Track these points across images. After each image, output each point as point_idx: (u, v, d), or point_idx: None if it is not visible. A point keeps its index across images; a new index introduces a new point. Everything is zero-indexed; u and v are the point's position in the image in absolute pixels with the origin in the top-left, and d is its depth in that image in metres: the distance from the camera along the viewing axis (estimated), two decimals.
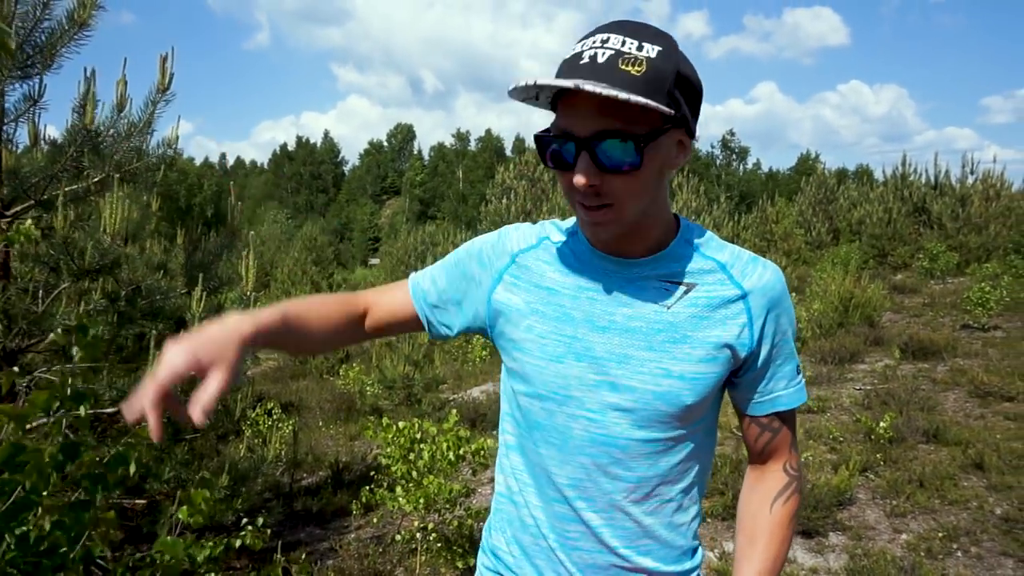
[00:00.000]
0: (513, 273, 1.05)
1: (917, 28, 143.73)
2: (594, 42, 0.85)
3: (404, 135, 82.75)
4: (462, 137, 76.77)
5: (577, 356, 0.98)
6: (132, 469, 1.21)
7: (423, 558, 3.64)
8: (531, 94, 0.88)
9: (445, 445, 3.60)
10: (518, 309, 1.03)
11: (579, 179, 0.86)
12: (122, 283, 3.03)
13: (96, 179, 2.97)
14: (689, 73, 0.88)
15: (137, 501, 2.99)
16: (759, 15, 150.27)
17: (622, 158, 0.84)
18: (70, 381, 1.18)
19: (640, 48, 0.83)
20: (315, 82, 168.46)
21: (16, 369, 2.42)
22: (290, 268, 14.25)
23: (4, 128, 2.83)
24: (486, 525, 1.20)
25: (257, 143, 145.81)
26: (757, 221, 19.53)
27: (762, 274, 0.99)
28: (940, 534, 3.67)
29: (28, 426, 1.24)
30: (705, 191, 14.46)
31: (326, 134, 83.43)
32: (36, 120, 2.95)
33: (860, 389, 6.62)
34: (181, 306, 3.25)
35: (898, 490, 4.24)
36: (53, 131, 3.03)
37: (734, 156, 73.71)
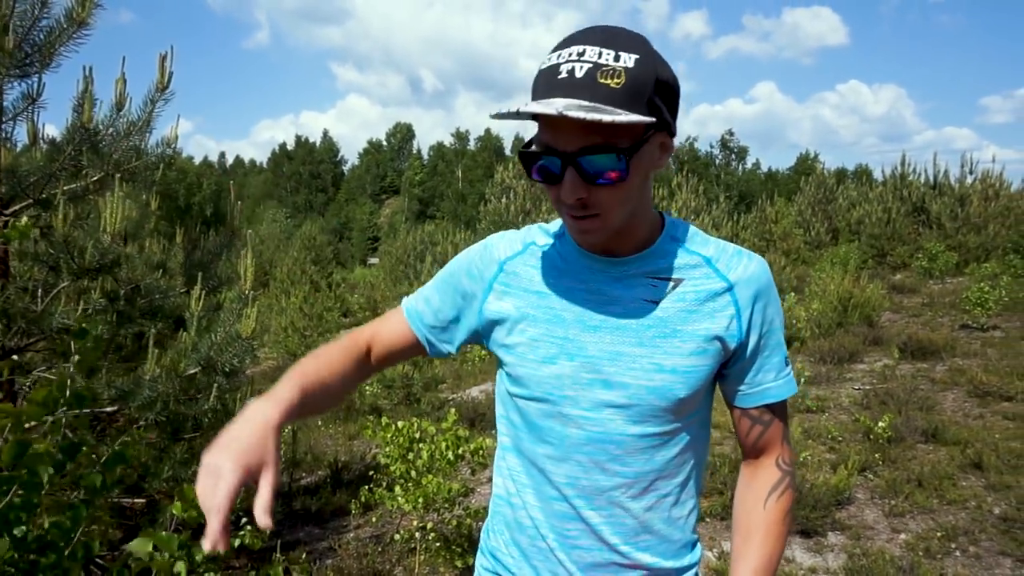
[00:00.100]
0: (502, 281, 1.06)
1: (916, 28, 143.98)
2: (570, 54, 0.84)
3: (403, 134, 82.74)
4: (461, 136, 76.73)
5: (570, 356, 1.00)
6: (129, 460, 1.20)
7: (422, 557, 3.64)
8: (514, 108, 0.89)
9: (444, 444, 3.60)
10: (510, 315, 1.04)
11: (567, 194, 0.87)
12: (121, 282, 3.03)
13: (95, 178, 2.97)
14: (666, 76, 0.88)
15: (136, 500, 2.98)
16: (758, 15, 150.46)
17: (608, 171, 0.85)
18: (69, 382, 1.18)
19: (617, 59, 0.83)
20: (314, 81, 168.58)
21: (15, 357, 2.42)
22: (289, 267, 14.25)
23: (2, 126, 2.83)
24: (484, 527, 1.21)
25: (256, 142, 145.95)
26: (756, 221, 19.53)
27: (747, 266, 1.00)
28: (939, 534, 3.67)
29: (27, 425, 1.24)
30: (704, 191, 14.46)
31: (325, 133, 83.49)
32: (35, 119, 2.95)
33: (859, 389, 6.63)
34: (180, 305, 3.25)
35: (897, 490, 4.24)
36: (52, 130, 3.03)
37: (733, 156, 73.73)
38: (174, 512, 1.39)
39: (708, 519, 4.04)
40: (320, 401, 1.00)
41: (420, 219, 52.19)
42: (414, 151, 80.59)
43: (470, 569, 3.49)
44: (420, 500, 3.43)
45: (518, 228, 1.14)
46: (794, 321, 8.90)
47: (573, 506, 1.03)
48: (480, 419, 6.45)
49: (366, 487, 3.89)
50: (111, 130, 2.95)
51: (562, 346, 1.00)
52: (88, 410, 1.22)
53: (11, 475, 1.09)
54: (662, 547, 1.05)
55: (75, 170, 2.95)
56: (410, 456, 3.63)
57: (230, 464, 0.77)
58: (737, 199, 49.86)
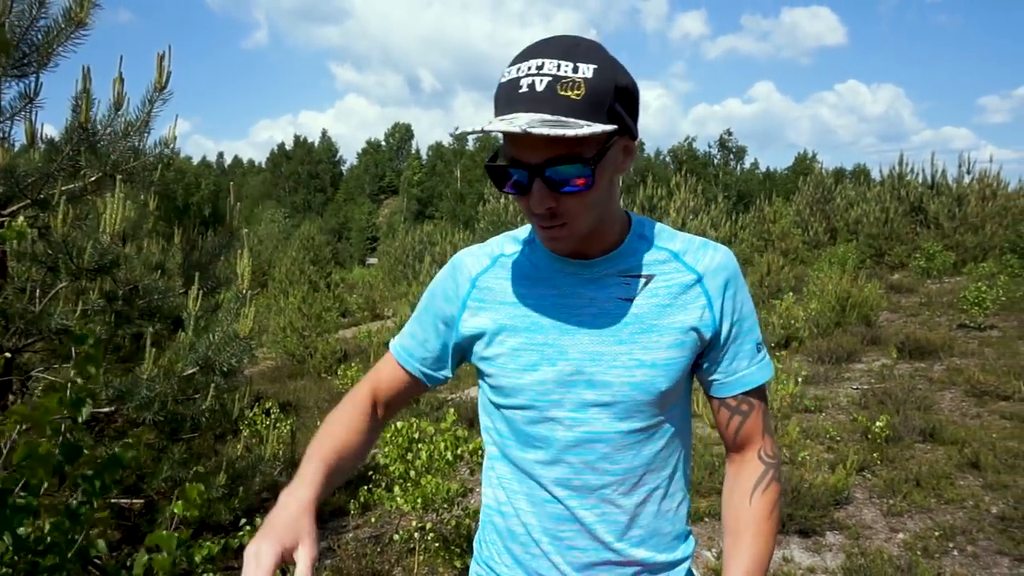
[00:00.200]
0: (475, 297, 1.07)
1: (914, 28, 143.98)
2: (530, 68, 0.85)
3: (402, 134, 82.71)
4: (460, 136, 76.13)
5: (551, 361, 1.01)
6: (126, 463, 1.20)
7: (421, 558, 3.64)
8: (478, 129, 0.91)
9: (443, 445, 3.60)
10: (487, 329, 1.05)
11: (536, 204, 0.89)
12: (119, 283, 3.03)
13: (93, 178, 2.97)
14: (625, 82, 0.90)
15: (135, 501, 2.98)
16: (757, 15, 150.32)
17: (574, 179, 0.88)
18: (71, 385, 1.18)
19: (576, 70, 0.85)
20: (313, 81, 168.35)
21: (8, 355, 2.42)
22: (287, 267, 14.22)
23: (0, 126, 2.82)
24: (476, 538, 1.21)
25: (255, 142, 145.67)
26: (754, 221, 19.54)
27: (713, 256, 1.04)
28: (936, 533, 3.68)
29: (25, 427, 1.24)
30: (703, 191, 14.46)
31: (324, 133, 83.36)
32: (32, 119, 2.95)
33: (857, 388, 6.64)
34: (179, 305, 3.25)
35: (895, 489, 4.25)
36: (50, 130, 3.03)
37: (731, 156, 73.80)
38: (175, 511, 1.39)
39: (707, 519, 4.04)
40: (345, 470, 1.05)
41: (419, 219, 52.16)
42: (413, 151, 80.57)
43: (468, 569, 3.49)
44: (419, 500, 3.43)
45: (517, 228, 1.15)
46: (792, 321, 8.91)
47: (567, 507, 1.04)
48: (479, 419, 6.44)
49: (365, 487, 3.89)
50: (109, 130, 2.95)
51: (542, 352, 1.02)
52: (83, 411, 1.22)
53: (14, 476, 1.09)
54: (654, 540, 1.06)
55: (73, 170, 2.94)
56: (409, 456, 3.63)
57: (267, 546, 0.82)
58: (735, 199, 49.90)
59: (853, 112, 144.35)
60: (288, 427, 5.49)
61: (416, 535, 3.64)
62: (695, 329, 1.01)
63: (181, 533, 1.33)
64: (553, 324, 1.02)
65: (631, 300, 1.01)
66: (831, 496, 4.01)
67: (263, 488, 4.90)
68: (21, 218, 2.59)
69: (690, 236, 1.07)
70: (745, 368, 1.05)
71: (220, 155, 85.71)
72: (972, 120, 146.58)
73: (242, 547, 2.08)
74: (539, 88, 0.84)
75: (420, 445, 3.65)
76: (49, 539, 1.16)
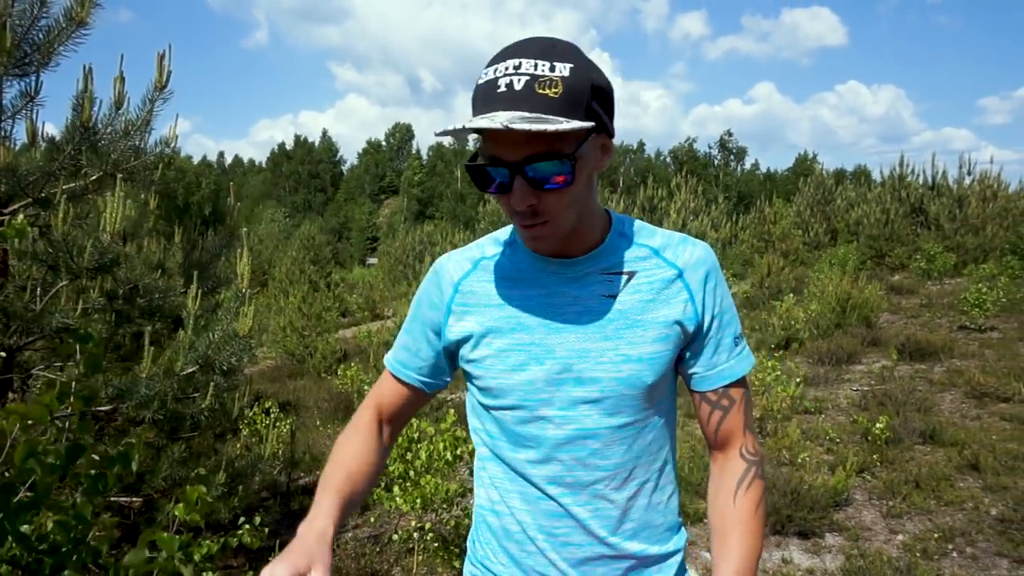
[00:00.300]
0: (459, 302, 1.08)
1: (915, 28, 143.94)
2: (507, 68, 0.87)
3: (402, 134, 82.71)
4: (443, 136, 75.82)
5: (538, 360, 1.02)
6: (135, 463, 1.20)
7: (420, 558, 3.64)
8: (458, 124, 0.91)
9: (442, 445, 3.61)
10: (474, 332, 1.06)
11: (518, 201, 0.90)
12: (120, 282, 3.03)
13: (94, 177, 2.97)
14: (601, 82, 0.92)
15: (134, 499, 2.98)
16: (757, 15, 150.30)
17: (555, 176, 0.89)
18: (74, 384, 1.18)
19: (553, 69, 0.86)
20: (313, 81, 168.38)
21: (3, 354, 2.42)
22: (288, 267, 14.21)
23: (1, 125, 2.83)
24: (470, 538, 1.22)
25: (255, 142, 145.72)
26: (755, 222, 19.54)
27: (692, 251, 1.06)
28: (936, 535, 3.68)
29: (28, 423, 1.24)
30: (703, 191, 14.47)
31: (324, 133, 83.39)
32: (34, 117, 2.95)
33: (857, 390, 6.63)
34: (179, 305, 3.25)
35: (894, 491, 4.25)
36: (51, 129, 3.03)
37: (732, 156, 73.81)
38: (176, 514, 1.39)
39: (706, 520, 4.04)
40: (359, 497, 1.07)
41: (419, 219, 52.15)
42: (413, 151, 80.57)
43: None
44: (418, 500, 3.43)
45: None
46: (792, 322, 8.91)
47: (560, 504, 1.05)
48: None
49: None
50: (110, 129, 2.95)
51: (530, 352, 1.03)
52: (87, 409, 1.22)
53: (19, 475, 1.09)
54: (646, 533, 1.08)
55: (74, 169, 2.94)
56: (408, 456, 3.63)
57: (281, 568, 0.84)
58: (736, 200, 49.91)
59: (854, 113, 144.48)
60: (288, 427, 5.49)
61: (415, 535, 3.64)
62: (679, 323, 1.03)
63: (183, 537, 1.33)
64: (539, 323, 1.03)
65: (615, 297, 1.02)
66: (831, 498, 4.01)
67: (262, 487, 4.91)
68: (21, 216, 2.59)
69: (669, 232, 1.08)
70: (725, 362, 1.06)
71: (220, 154, 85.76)
72: (973, 121, 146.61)
73: (241, 546, 2.08)
74: (517, 87, 0.85)
75: (419, 445, 3.65)
76: (53, 538, 1.16)
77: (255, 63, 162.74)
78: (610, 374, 1.01)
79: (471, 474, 4.99)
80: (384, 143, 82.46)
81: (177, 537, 1.25)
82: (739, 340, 1.08)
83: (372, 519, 4.33)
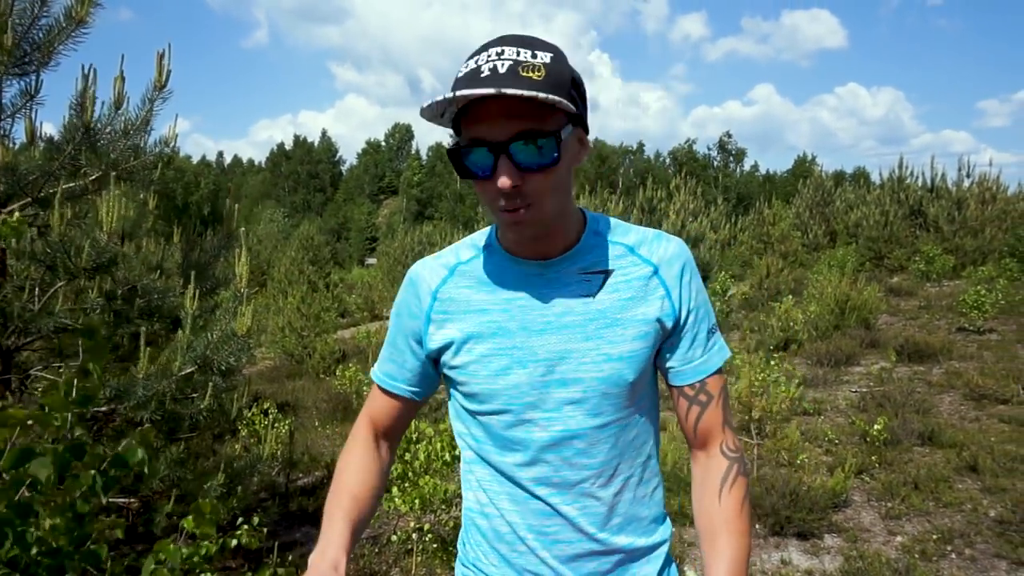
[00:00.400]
0: (438, 310, 1.08)
1: (914, 31, 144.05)
2: (489, 56, 0.88)
3: (402, 135, 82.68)
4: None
5: (521, 364, 1.03)
6: (139, 459, 1.20)
7: (419, 559, 3.64)
8: (440, 111, 0.91)
9: (440, 445, 3.60)
10: (455, 339, 1.06)
11: (504, 181, 0.89)
12: (119, 282, 3.02)
13: (93, 177, 2.97)
14: (577, 76, 0.95)
15: (131, 500, 2.98)
16: (757, 17, 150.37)
17: (540, 156, 0.90)
18: (76, 383, 1.18)
19: (534, 56, 0.88)
20: (313, 81, 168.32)
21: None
22: (287, 267, 14.19)
23: (1, 124, 2.82)
24: (460, 540, 1.22)
25: (254, 142, 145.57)
26: (754, 223, 19.56)
27: (667, 247, 1.07)
28: (935, 536, 3.68)
29: (28, 423, 1.23)
30: (702, 193, 14.46)
31: (324, 133, 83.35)
32: (33, 117, 2.95)
33: (856, 391, 6.64)
34: (178, 305, 3.24)
35: (893, 492, 4.25)
36: (50, 128, 3.03)
37: (731, 158, 73.85)
38: (185, 526, 1.39)
39: None
40: (366, 517, 1.08)
41: (418, 220, 52.15)
42: (413, 151, 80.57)
43: None
44: (417, 501, 3.43)
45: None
46: (791, 323, 8.91)
47: (549, 504, 1.06)
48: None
49: None
50: (109, 129, 2.94)
51: (512, 355, 1.03)
52: (87, 410, 1.22)
53: (19, 476, 1.09)
54: (633, 526, 1.09)
55: (74, 169, 2.94)
56: (407, 457, 3.62)
57: None
58: (735, 201, 49.95)
59: (853, 115, 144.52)
60: (286, 427, 5.48)
61: (414, 536, 3.63)
62: (657, 320, 1.04)
63: (189, 548, 1.33)
64: (520, 327, 1.03)
65: (593, 296, 1.03)
66: (829, 499, 4.01)
67: (261, 488, 4.90)
68: (17, 213, 2.58)
69: (644, 229, 1.09)
70: (700, 356, 1.07)
71: (220, 154, 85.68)
72: (972, 124, 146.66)
73: (239, 546, 2.08)
74: (501, 70, 0.86)
75: (418, 446, 3.64)
76: (52, 540, 1.16)
77: (255, 63, 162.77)
78: (592, 374, 1.02)
79: None
80: (383, 143, 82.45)
81: (181, 548, 1.25)
82: (713, 333, 1.09)
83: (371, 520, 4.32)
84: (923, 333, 8.73)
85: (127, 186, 3.15)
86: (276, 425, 5.51)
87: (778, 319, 9.03)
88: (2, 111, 2.81)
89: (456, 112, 0.93)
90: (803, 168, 57.45)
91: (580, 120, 0.95)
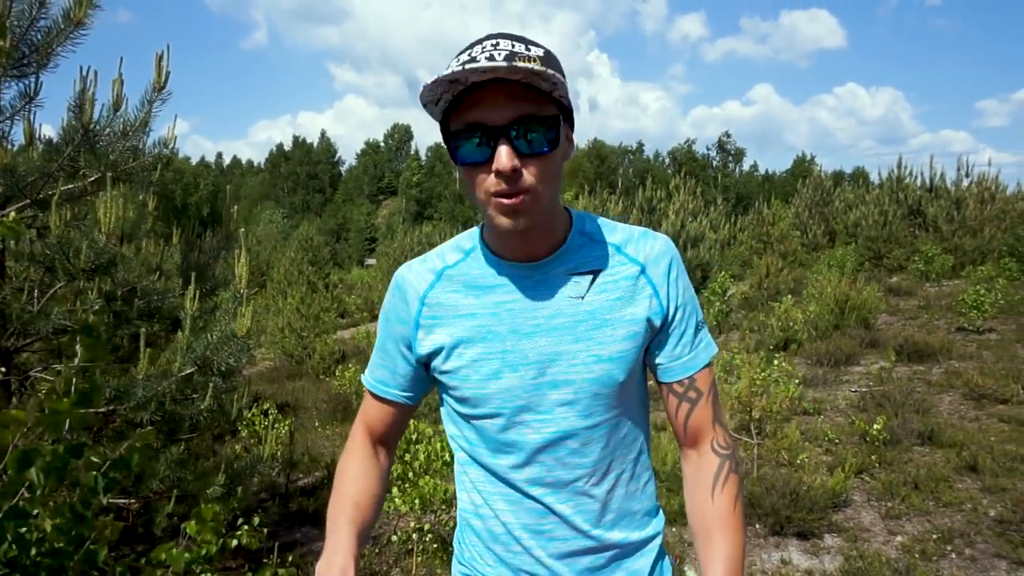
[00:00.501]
0: (427, 315, 1.07)
1: (913, 31, 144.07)
2: (484, 48, 0.89)
3: (401, 135, 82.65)
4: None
5: (513, 367, 1.02)
6: (138, 461, 1.20)
7: (419, 559, 3.64)
8: (438, 94, 0.89)
9: (440, 446, 3.60)
10: (444, 344, 1.06)
11: (504, 162, 0.88)
12: (118, 283, 3.02)
13: (92, 178, 2.96)
14: (565, 74, 0.96)
15: (131, 501, 2.98)
16: (756, 17, 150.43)
17: (540, 140, 0.90)
18: (75, 382, 1.18)
19: (528, 49, 0.90)
20: (312, 82, 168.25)
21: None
22: (286, 268, 14.18)
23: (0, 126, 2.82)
24: (456, 538, 1.22)
25: (253, 142, 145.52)
26: (753, 223, 19.58)
27: (653, 245, 1.07)
28: (935, 536, 3.68)
29: (29, 424, 1.23)
30: (702, 193, 14.48)
31: (323, 134, 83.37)
32: (31, 118, 2.94)
33: (855, 391, 6.64)
34: (177, 306, 3.24)
35: (893, 492, 4.25)
36: (48, 130, 3.02)
37: (730, 158, 73.88)
38: (187, 531, 1.39)
39: None
40: (370, 523, 1.08)
41: (418, 220, 52.14)
42: (412, 152, 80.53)
43: None
44: (417, 501, 3.43)
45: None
46: (791, 323, 8.91)
47: (543, 503, 1.06)
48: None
49: None
50: (108, 130, 2.94)
51: (503, 359, 1.02)
52: (86, 411, 1.22)
53: (17, 480, 1.09)
54: (626, 520, 1.10)
55: (72, 170, 2.94)
56: (407, 457, 3.62)
57: None
58: (734, 201, 49.96)
59: (852, 115, 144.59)
60: (286, 428, 5.48)
61: (414, 536, 3.63)
62: (646, 319, 1.04)
63: (192, 552, 1.33)
64: (510, 330, 1.02)
65: (582, 298, 1.03)
66: (829, 499, 4.01)
67: (261, 488, 4.90)
68: (13, 213, 2.58)
69: (630, 227, 1.09)
70: (688, 352, 1.07)
71: (219, 155, 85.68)
72: (971, 124, 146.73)
73: (239, 547, 2.08)
74: (499, 59, 0.86)
75: (418, 446, 3.65)
76: (52, 542, 1.16)
77: (254, 64, 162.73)
78: (583, 375, 1.02)
79: None
80: (383, 144, 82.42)
81: (184, 552, 1.25)
82: (700, 329, 1.09)
83: None
84: (923, 333, 8.74)
85: (126, 187, 3.14)
86: (276, 426, 5.51)
87: (778, 319, 9.03)
88: (1, 113, 2.81)
89: (449, 101, 0.91)
90: (802, 168, 57.48)
91: (569, 116, 0.96)
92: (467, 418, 1.08)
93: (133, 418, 2.87)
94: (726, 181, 64.88)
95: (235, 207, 3.78)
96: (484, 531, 1.12)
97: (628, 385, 1.05)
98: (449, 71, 0.85)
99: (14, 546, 1.10)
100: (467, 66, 0.84)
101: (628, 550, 1.10)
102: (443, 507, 3.58)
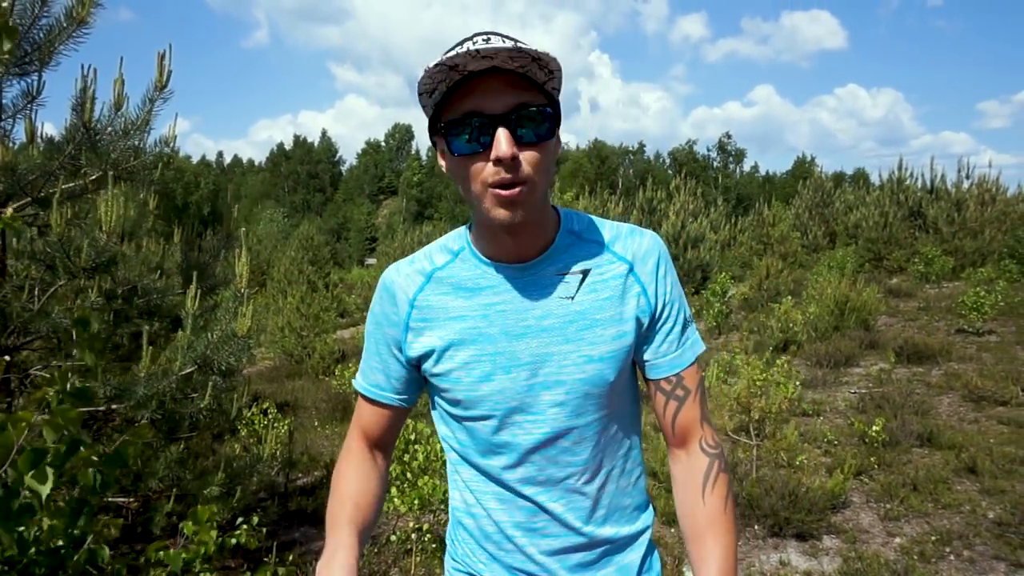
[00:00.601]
0: (417, 318, 1.06)
1: (914, 32, 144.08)
2: (475, 41, 0.88)
3: (402, 135, 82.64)
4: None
5: (505, 369, 1.02)
6: (134, 455, 1.20)
7: (418, 559, 3.64)
8: (435, 84, 0.88)
9: (439, 446, 3.60)
10: (435, 347, 1.05)
11: (504, 149, 0.87)
12: (118, 282, 3.03)
13: (93, 177, 2.97)
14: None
15: (130, 500, 2.98)
16: (757, 18, 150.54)
17: (538, 129, 0.90)
18: (71, 377, 1.18)
19: (518, 43, 0.89)
20: (313, 81, 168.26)
21: (7, 358, 2.41)
22: (286, 267, 14.18)
23: (1, 124, 2.82)
24: (448, 536, 1.23)
25: (254, 142, 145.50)
26: (754, 224, 19.59)
27: (640, 242, 1.06)
28: (933, 537, 3.68)
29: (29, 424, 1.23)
30: (702, 193, 14.49)
31: (324, 133, 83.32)
32: (33, 117, 2.95)
33: (855, 393, 6.64)
34: (177, 305, 3.25)
35: (892, 494, 4.25)
36: (50, 128, 3.03)
37: (731, 159, 73.85)
38: (185, 531, 1.39)
39: None
40: (371, 526, 1.08)
41: (418, 220, 52.13)
42: (412, 152, 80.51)
43: None
44: (416, 501, 3.43)
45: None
46: (791, 324, 8.91)
47: (535, 501, 1.07)
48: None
49: None
50: (110, 129, 2.94)
51: (495, 361, 1.02)
52: (84, 408, 1.22)
53: (18, 481, 1.09)
54: (616, 515, 1.10)
55: (74, 169, 2.94)
56: (406, 458, 3.62)
57: None
58: (735, 202, 49.96)
59: (853, 116, 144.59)
60: (286, 427, 5.48)
61: (413, 536, 3.64)
62: (635, 317, 1.04)
63: (189, 552, 1.33)
64: (500, 332, 1.02)
65: (572, 298, 1.02)
66: (828, 500, 4.02)
67: (260, 488, 4.90)
68: (10, 210, 2.58)
69: (617, 224, 1.09)
70: (676, 349, 1.07)
71: (220, 154, 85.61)
72: (971, 125, 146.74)
73: (238, 546, 2.08)
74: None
75: (416, 446, 3.65)
76: (52, 540, 1.16)
77: (255, 63, 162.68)
78: (575, 376, 1.02)
79: None
80: (383, 143, 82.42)
81: (181, 553, 1.25)
82: (688, 326, 1.08)
83: None
84: (922, 334, 8.74)
85: (127, 186, 3.15)
86: (276, 425, 5.50)
87: (777, 320, 9.03)
88: (3, 111, 2.81)
89: (443, 93, 0.90)
90: (803, 169, 57.45)
91: (558, 111, 0.95)
92: (459, 420, 1.08)
93: (133, 417, 2.87)
94: (727, 182, 64.85)
95: (236, 206, 3.78)
96: (476, 529, 1.13)
97: (619, 383, 1.05)
98: (452, 53, 0.84)
99: (13, 545, 1.10)
100: (473, 48, 0.83)
101: (619, 545, 1.11)
102: (442, 507, 3.58)
